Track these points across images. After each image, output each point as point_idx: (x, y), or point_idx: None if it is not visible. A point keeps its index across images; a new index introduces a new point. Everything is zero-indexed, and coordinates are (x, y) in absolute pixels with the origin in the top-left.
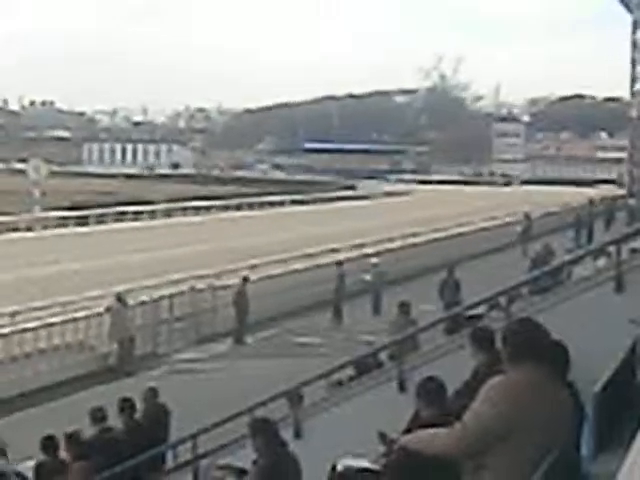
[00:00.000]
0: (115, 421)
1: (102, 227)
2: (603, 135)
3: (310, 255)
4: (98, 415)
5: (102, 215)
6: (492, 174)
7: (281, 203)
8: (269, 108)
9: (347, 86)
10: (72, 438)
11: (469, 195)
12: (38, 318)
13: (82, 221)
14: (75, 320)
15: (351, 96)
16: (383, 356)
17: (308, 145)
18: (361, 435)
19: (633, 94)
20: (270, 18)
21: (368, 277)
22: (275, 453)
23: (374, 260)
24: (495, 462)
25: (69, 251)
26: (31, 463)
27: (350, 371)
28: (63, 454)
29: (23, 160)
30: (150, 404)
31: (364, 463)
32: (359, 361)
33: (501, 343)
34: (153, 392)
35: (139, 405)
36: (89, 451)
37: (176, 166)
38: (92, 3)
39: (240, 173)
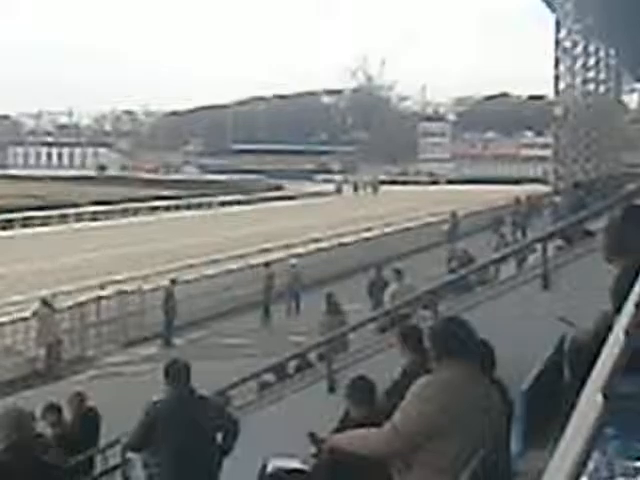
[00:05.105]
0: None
1: (27, 231)
2: (528, 133)
3: (239, 256)
4: None
5: (27, 218)
6: (418, 173)
7: (209, 205)
8: (196, 110)
9: (274, 87)
10: None
11: (395, 194)
12: None
13: (7, 225)
14: (1, 325)
15: (278, 97)
16: (312, 356)
17: (236, 146)
18: (291, 436)
19: (557, 92)
20: (198, 19)
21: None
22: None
23: (292, 261)
24: (424, 461)
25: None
26: None
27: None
28: None
29: None
30: (78, 408)
31: (294, 464)
32: (284, 363)
33: (428, 342)
34: (81, 396)
35: (67, 409)
36: None
37: (103, 168)
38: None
39: (165, 176)
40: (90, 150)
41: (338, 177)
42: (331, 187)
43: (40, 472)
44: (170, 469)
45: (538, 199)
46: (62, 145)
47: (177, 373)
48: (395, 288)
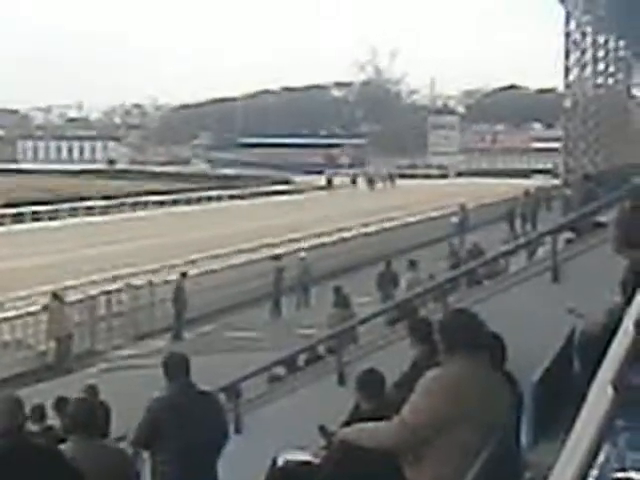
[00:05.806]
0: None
1: (38, 224)
2: (537, 126)
3: (247, 250)
4: (38, 414)
5: (37, 212)
6: (428, 166)
7: (218, 198)
8: (205, 103)
9: (283, 80)
10: None
11: (404, 187)
12: None
13: (17, 219)
14: (12, 318)
15: (287, 89)
16: (322, 349)
17: (244, 140)
18: (301, 429)
19: (567, 85)
20: (207, 12)
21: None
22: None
23: (302, 254)
24: (434, 454)
25: (3, 249)
26: None
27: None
28: None
29: None
30: None
31: (305, 457)
32: (294, 357)
33: (437, 334)
34: (92, 389)
35: None
36: None
37: (112, 162)
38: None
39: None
40: (100, 144)
41: (345, 170)
42: (345, 179)
43: (34, 457)
44: (176, 465)
45: (548, 191)
46: (72, 139)
47: (175, 367)
48: (411, 277)
